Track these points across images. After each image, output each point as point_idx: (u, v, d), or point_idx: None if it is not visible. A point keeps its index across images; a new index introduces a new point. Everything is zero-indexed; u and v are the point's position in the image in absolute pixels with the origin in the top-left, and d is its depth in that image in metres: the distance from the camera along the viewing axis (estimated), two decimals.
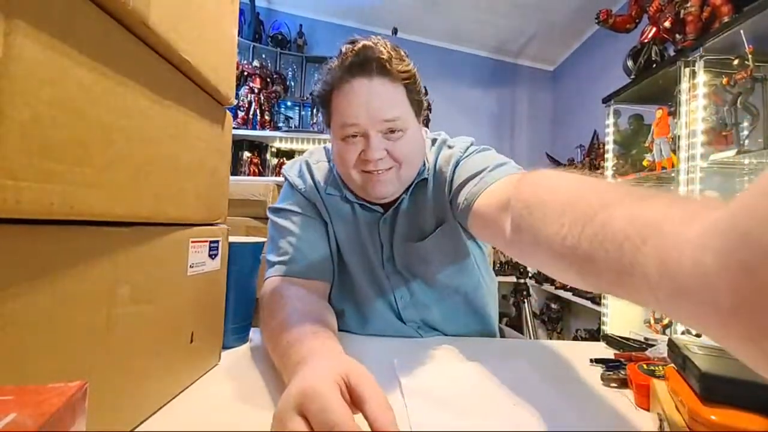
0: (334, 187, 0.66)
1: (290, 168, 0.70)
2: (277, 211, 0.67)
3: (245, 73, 2.55)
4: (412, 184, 0.64)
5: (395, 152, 0.58)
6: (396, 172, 0.59)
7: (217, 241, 0.45)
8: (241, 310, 0.56)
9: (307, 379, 0.31)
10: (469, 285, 0.69)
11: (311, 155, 0.72)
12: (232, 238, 0.52)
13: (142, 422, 0.33)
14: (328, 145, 0.70)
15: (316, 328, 0.45)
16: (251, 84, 2.55)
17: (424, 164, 0.65)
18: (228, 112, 0.48)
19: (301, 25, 2.95)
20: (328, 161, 0.70)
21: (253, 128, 2.56)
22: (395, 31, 2.81)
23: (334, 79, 0.58)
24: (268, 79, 2.61)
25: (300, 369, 0.35)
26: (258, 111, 2.57)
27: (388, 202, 0.64)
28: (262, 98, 2.57)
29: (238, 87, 2.52)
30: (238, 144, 2.62)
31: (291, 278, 0.59)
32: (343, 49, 0.59)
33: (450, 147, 0.66)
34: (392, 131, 0.57)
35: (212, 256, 0.44)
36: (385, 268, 0.66)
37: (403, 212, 0.65)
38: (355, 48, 0.57)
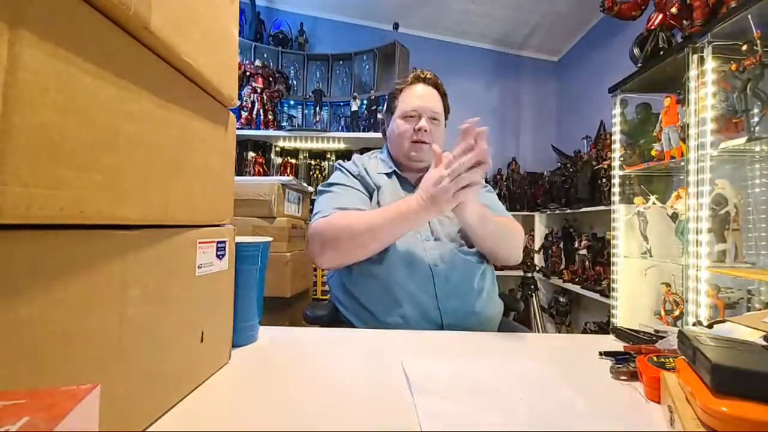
0: (386, 166, 0.95)
1: (344, 162, 0.97)
2: (328, 185, 0.90)
3: (247, 73, 2.55)
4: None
5: (433, 133, 0.92)
6: (430, 147, 0.87)
7: (224, 242, 0.46)
8: (250, 309, 0.56)
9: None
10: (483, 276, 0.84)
11: (363, 155, 1.02)
12: (239, 238, 0.52)
13: (153, 422, 0.34)
14: (374, 153, 1.04)
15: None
16: (254, 84, 2.55)
17: None
18: (231, 113, 0.48)
19: (301, 23, 2.95)
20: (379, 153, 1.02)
21: (257, 128, 2.57)
22: (396, 26, 2.79)
23: (404, 84, 0.97)
24: (271, 79, 2.61)
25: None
26: (261, 111, 2.57)
27: (417, 178, 0.91)
28: (265, 98, 2.58)
29: (241, 87, 2.52)
30: (243, 144, 2.63)
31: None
32: (411, 73, 0.98)
33: None
34: (434, 119, 0.93)
35: (220, 257, 0.45)
36: (426, 246, 0.82)
37: None
38: (418, 71, 0.98)
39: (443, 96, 0.97)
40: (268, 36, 2.87)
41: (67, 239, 0.25)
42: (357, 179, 0.91)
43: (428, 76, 0.96)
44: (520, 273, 2.71)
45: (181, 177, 0.37)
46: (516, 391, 0.41)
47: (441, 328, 0.73)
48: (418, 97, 0.92)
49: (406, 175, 0.93)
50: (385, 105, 1.02)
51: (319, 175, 2.73)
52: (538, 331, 2.54)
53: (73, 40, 0.24)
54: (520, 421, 0.35)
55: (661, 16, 1.59)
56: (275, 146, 2.76)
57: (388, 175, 0.93)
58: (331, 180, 0.92)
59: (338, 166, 0.96)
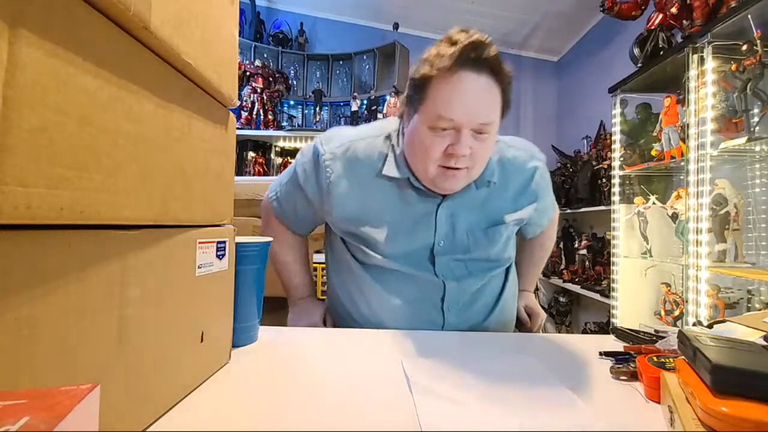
0: (396, 169, 0.66)
1: (322, 147, 0.69)
2: (293, 171, 0.74)
3: (247, 73, 2.55)
4: (476, 186, 0.69)
5: (476, 152, 0.60)
6: (468, 172, 0.62)
7: (224, 242, 0.46)
8: (250, 309, 0.56)
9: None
10: (505, 281, 0.77)
11: (361, 134, 0.71)
12: (239, 238, 0.52)
13: (153, 422, 0.34)
14: (388, 123, 0.72)
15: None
16: (254, 84, 2.55)
17: (486, 170, 0.68)
18: (231, 114, 0.48)
19: (301, 23, 2.95)
20: (387, 138, 0.70)
21: (257, 128, 2.57)
22: (396, 26, 2.79)
23: (442, 65, 0.56)
24: (271, 79, 2.61)
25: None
26: (261, 111, 2.57)
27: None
28: (265, 98, 2.58)
29: (241, 87, 2.52)
30: (243, 144, 2.64)
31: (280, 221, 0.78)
32: (455, 36, 0.56)
33: (514, 157, 0.73)
34: (481, 132, 0.59)
35: (220, 257, 0.45)
36: (435, 248, 0.69)
37: (467, 202, 0.69)
38: (472, 39, 0.55)
39: (504, 87, 0.59)
40: (268, 36, 2.88)
41: (67, 239, 0.25)
42: (317, 188, 0.70)
43: (484, 53, 0.55)
44: None
45: (181, 177, 0.37)
46: (516, 391, 0.41)
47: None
48: (462, 98, 0.56)
49: (426, 186, 0.65)
50: (406, 90, 0.63)
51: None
52: (539, 331, 2.54)
53: (73, 39, 0.24)
54: (520, 422, 0.35)
55: (661, 16, 1.59)
56: (275, 146, 2.76)
57: (398, 180, 0.66)
58: (298, 165, 0.73)
59: (311, 157, 0.71)
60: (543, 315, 0.88)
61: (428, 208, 0.68)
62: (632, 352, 0.49)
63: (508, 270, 0.78)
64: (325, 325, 0.78)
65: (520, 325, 0.87)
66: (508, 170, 0.72)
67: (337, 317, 0.79)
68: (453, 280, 0.70)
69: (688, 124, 1.39)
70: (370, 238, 0.68)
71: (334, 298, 0.78)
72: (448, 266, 0.70)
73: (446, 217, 0.69)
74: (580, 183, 2.34)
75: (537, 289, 2.68)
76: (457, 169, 0.60)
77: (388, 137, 0.69)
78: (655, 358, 0.42)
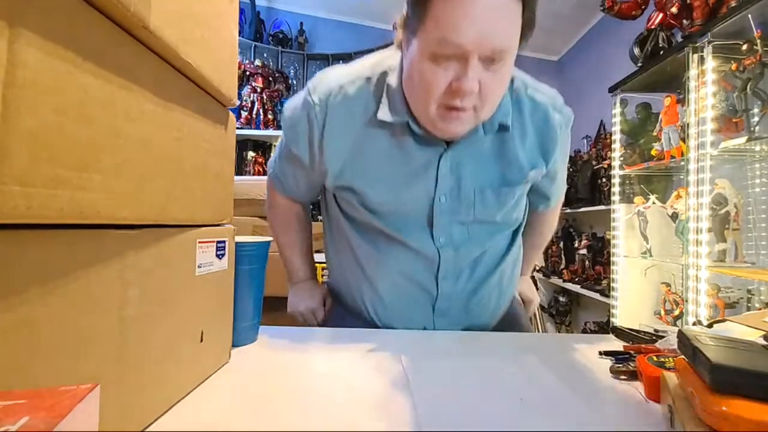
0: (392, 112, 0.57)
1: (311, 99, 0.59)
2: (286, 144, 0.68)
3: (247, 73, 2.55)
4: (483, 131, 0.59)
5: (486, 87, 0.49)
6: (475, 114, 0.52)
7: (224, 242, 0.46)
8: (250, 309, 0.56)
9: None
10: (509, 249, 0.70)
11: (349, 71, 0.61)
12: (239, 238, 0.52)
13: (153, 422, 0.34)
14: (386, 57, 0.61)
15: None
16: (254, 83, 2.55)
17: (498, 110, 0.57)
18: (231, 113, 0.48)
19: (301, 23, 2.95)
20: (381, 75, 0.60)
21: (257, 128, 2.57)
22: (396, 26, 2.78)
23: None
24: (271, 78, 2.61)
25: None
26: (261, 110, 2.57)
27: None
28: (265, 97, 2.58)
29: (241, 87, 2.52)
30: (242, 144, 2.64)
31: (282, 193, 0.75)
32: None
33: (535, 100, 0.62)
34: (493, 61, 0.48)
35: (219, 256, 0.45)
36: (435, 206, 0.61)
37: (475, 151, 0.60)
38: None
39: (526, 2, 0.48)
40: (268, 36, 2.87)
41: (67, 239, 0.25)
42: (307, 148, 0.62)
43: None
44: None
45: (180, 177, 0.37)
46: (516, 391, 0.41)
47: (432, 306, 0.66)
48: (470, 15, 0.45)
49: (427, 129, 0.56)
50: (404, 10, 0.52)
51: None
52: (538, 331, 2.54)
53: (73, 39, 0.24)
54: (520, 422, 0.35)
55: (661, 15, 1.59)
56: (275, 146, 2.76)
57: (393, 125, 0.58)
58: (285, 127, 0.66)
59: (300, 112, 0.61)
60: (537, 301, 0.86)
61: (429, 157, 0.59)
62: (632, 352, 0.49)
63: (514, 234, 0.71)
64: (324, 309, 0.77)
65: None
66: (526, 115, 0.61)
67: (336, 294, 0.78)
68: (451, 248, 0.63)
69: (688, 124, 1.39)
70: (364, 196, 0.61)
71: (333, 274, 0.78)
72: (448, 230, 0.62)
73: (450, 169, 0.60)
74: (580, 183, 2.34)
75: (537, 288, 2.69)
76: (462, 110, 0.50)
77: (384, 74, 0.59)
78: (654, 358, 0.42)
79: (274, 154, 0.78)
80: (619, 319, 1.78)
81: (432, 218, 0.62)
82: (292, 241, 0.80)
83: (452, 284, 0.65)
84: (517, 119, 0.61)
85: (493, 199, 0.62)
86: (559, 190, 0.77)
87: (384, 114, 0.57)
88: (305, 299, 0.77)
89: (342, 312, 0.75)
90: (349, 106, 0.59)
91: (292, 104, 0.65)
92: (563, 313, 2.63)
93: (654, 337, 0.54)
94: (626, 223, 1.80)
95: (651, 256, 1.65)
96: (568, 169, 2.53)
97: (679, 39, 1.53)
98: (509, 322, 0.75)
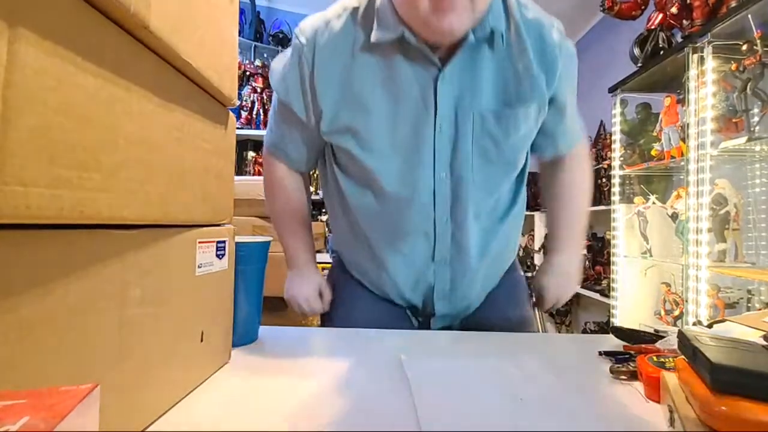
0: (385, 29, 0.55)
1: (301, 42, 0.59)
2: (278, 103, 0.67)
3: (247, 73, 2.55)
4: (475, 38, 0.55)
5: None
6: (470, 12, 0.50)
7: (224, 242, 0.46)
8: (250, 309, 0.56)
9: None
10: (511, 190, 0.67)
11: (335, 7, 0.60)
12: (239, 238, 0.52)
13: (153, 422, 0.34)
14: None
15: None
16: (254, 84, 2.55)
17: (489, 13, 0.55)
18: (231, 113, 0.48)
19: None
20: None
21: (257, 128, 2.57)
22: None
23: None
24: None
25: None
26: (261, 110, 2.57)
27: (445, 56, 0.56)
28: (265, 97, 2.58)
29: (241, 87, 2.52)
30: (242, 144, 2.63)
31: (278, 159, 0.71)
32: None
33: (528, 17, 0.60)
34: None
35: (219, 256, 0.45)
36: (436, 137, 0.59)
37: (471, 70, 0.57)
38: None
39: None
40: (268, 36, 2.87)
41: (67, 239, 0.25)
42: (300, 96, 0.61)
43: None
44: None
45: (180, 176, 0.37)
46: (516, 391, 0.41)
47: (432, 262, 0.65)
48: None
49: (422, 39, 0.54)
50: None
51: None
52: (538, 331, 2.55)
53: (73, 39, 0.24)
54: (520, 422, 0.35)
55: (661, 15, 1.59)
56: None
57: (385, 50, 0.56)
58: (275, 81, 0.65)
59: (290, 59, 0.62)
60: (557, 297, 0.73)
61: (425, 81, 0.57)
62: (632, 352, 0.49)
63: (517, 187, 0.68)
64: (321, 299, 0.73)
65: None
66: (522, 29, 0.58)
67: (339, 261, 0.77)
68: (449, 187, 0.61)
69: (688, 124, 1.39)
70: (360, 135, 0.59)
71: (336, 240, 0.76)
72: (448, 165, 0.60)
73: (448, 93, 0.58)
74: None
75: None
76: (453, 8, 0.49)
77: (371, 3, 0.58)
78: (655, 358, 0.42)
79: (268, 126, 0.75)
80: (619, 319, 1.78)
81: (434, 156, 0.60)
82: (290, 219, 0.75)
83: (451, 227, 0.63)
84: (513, 36, 0.58)
85: (494, 123, 0.59)
86: (569, 131, 0.69)
87: (377, 35, 0.55)
88: (301, 285, 0.74)
89: (347, 282, 0.74)
90: (337, 41, 0.58)
91: (280, 58, 0.65)
92: (563, 313, 2.63)
93: (654, 337, 0.54)
94: (626, 223, 1.80)
95: (651, 256, 1.65)
96: None
97: (679, 39, 1.53)
98: (511, 288, 0.74)
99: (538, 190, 2.81)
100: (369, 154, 0.60)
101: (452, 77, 0.57)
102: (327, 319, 0.77)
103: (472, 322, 0.72)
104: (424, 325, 0.73)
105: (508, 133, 0.60)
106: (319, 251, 0.86)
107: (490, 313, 0.72)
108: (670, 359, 0.41)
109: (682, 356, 0.37)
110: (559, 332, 2.66)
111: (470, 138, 0.59)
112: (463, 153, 0.60)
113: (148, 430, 0.32)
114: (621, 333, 0.58)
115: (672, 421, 0.34)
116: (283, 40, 2.85)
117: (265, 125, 2.58)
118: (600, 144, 2.35)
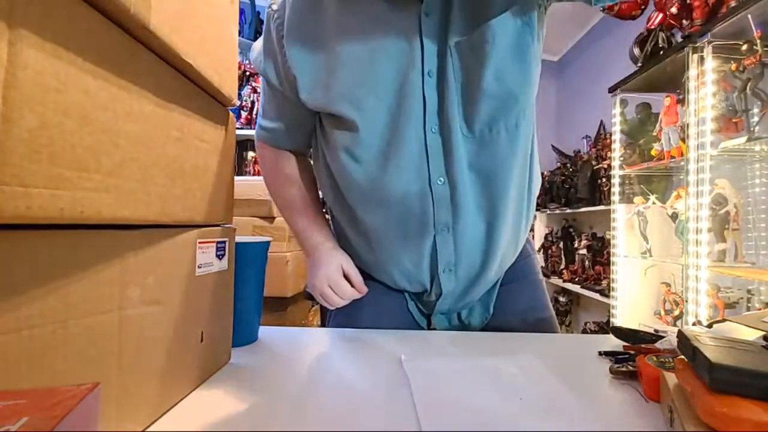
0: None
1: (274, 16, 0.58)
2: (267, 84, 0.65)
3: (247, 73, 2.55)
4: None
5: None
6: None
7: (224, 242, 0.46)
8: (250, 309, 0.56)
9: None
10: (520, 125, 0.57)
11: None
12: (239, 238, 0.52)
13: (154, 422, 0.34)
14: None
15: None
16: (254, 84, 2.55)
17: None
18: (231, 113, 0.48)
19: None
20: None
21: None
22: None
23: None
24: None
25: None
26: None
27: None
28: None
29: (241, 87, 2.52)
30: (242, 144, 2.63)
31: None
32: None
33: None
34: None
35: (219, 257, 0.45)
36: (425, 82, 0.54)
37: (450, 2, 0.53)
38: None
39: None
40: None
41: (67, 239, 0.25)
42: (278, 65, 0.60)
43: None
44: None
45: (180, 177, 0.37)
46: (516, 391, 0.41)
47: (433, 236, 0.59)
48: None
49: None
50: None
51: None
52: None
53: (73, 39, 0.24)
54: (520, 422, 0.35)
55: (661, 15, 1.59)
56: None
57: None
58: (256, 62, 0.65)
59: (264, 34, 0.62)
60: None
61: (407, 22, 0.53)
62: (632, 352, 0.49)
63: (525, 147, 0.60)
64: (344, 279, 0.64)
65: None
66: None
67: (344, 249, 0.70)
68: (440, 143, 0.56)
69: (688, 124, 1.39)
70: (341, 97, 0.56)
71: (336, 231, 0.72)
72: (439, 116, 0.55)
73: (432, 28, 0.53)
74: (580, 183, 2.34)
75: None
76: None
77: None
78: (654, 358, 0.42)
79: (258, 116, 0.73)
80: (619, 319, 1.78)
81: (424, 110, 0.54)
82: (291, 202, 0.70)
83: (449, 188, 0.57)
84: None
85: (484, 59, 0.52)
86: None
87: None
88: (319, 269, 0.63)
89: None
90: (306, 1, 0.56)
91: (259, 38, 0.65)
92: (563, 313, 2.63)
93: (654, 338, 0.54)
94: (626, 223, 1.80)
95: (651, 256, 1.65)
96: (568, 169, 2.55)
97: (679, 39, 1.53)
98: (522, 272, 0.69)
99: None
100: (356, 113, 0.55)
101: (432, 5, 0.53)
102: (331, 315, 0.72)
103: (492, 323, 0.69)
104: (429, 308, 0.69)
105: (502, 73, 0.53)
106: None
107: (510, 317, 0.69)
108: (670, 359, 0.41)
109: (682, 356, 0.37)
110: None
111: (458, 85, 0.54)
112: (457, 111, 0.54)
113: (148, 430, 0.33)
114: (621, 333, 0.58)
115: (672, 421, 0.34)
116: None
117: None
118: (600, 144, 2.35)
